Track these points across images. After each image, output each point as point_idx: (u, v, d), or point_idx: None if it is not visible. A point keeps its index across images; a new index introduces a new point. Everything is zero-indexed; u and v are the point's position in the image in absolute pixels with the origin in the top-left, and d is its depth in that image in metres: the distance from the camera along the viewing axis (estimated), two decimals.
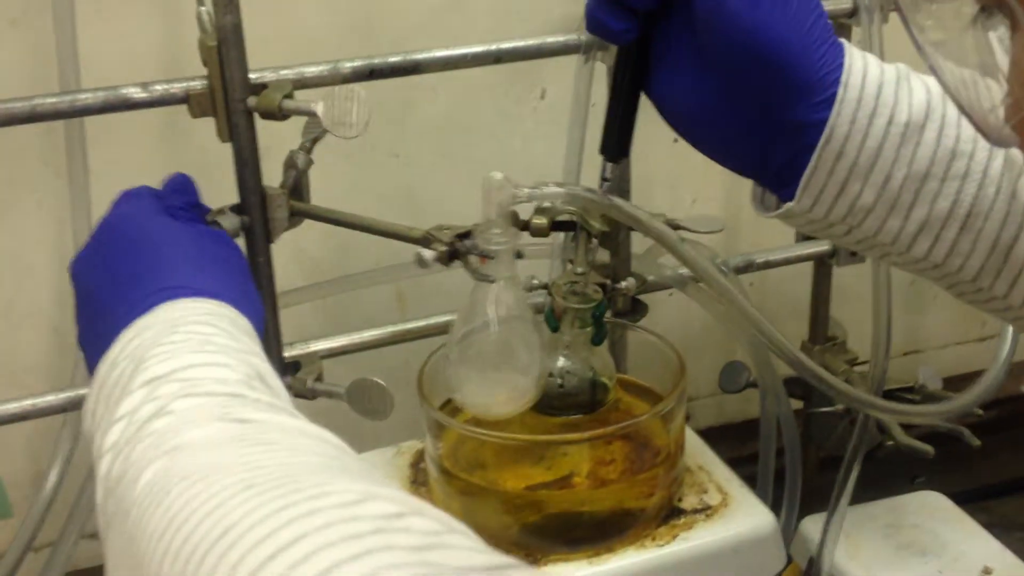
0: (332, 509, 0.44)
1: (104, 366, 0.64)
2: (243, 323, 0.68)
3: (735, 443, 1.53)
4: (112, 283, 0.71)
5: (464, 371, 0.93)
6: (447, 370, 0.94)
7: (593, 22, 0.70)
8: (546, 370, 0.96)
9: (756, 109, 0.67)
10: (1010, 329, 1.22)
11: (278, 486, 0.46)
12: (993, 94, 0.47)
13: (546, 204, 0.95)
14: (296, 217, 1.00)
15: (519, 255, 0.92)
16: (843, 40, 0.67)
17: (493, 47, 1.05)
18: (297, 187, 1.00)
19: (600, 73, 1.11)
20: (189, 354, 0.60)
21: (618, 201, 0.88)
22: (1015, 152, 0.67)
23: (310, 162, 0.99)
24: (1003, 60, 0.46)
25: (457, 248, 0.91)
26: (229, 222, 0.96)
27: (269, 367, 0.64)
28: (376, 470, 0.53)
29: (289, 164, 0.99)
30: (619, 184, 1.11)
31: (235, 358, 0.61)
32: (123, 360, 0.62)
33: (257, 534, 0.43)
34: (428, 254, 0.91)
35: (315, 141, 0.99)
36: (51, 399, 1.03)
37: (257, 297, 0.76)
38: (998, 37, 0.46)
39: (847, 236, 0.70)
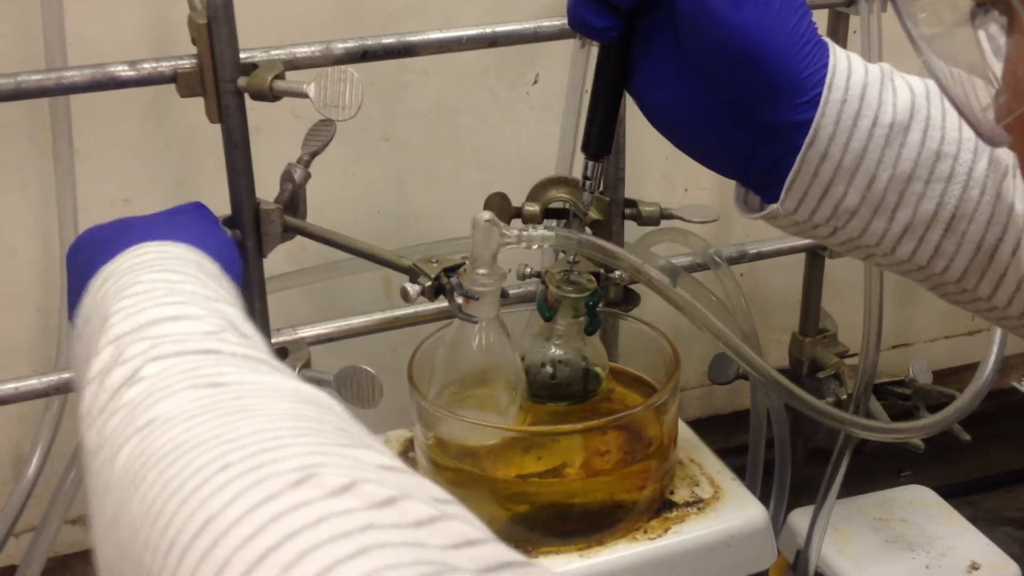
0: (321, 501, 0.42)
1: (79, 321, 0.63)
2: (211, 267, 0.67)
3: (723, 435, 1.52)
4: (91, 246, 0.71)
5: (444, 412, 0.93)
6: (428, 407, 0.95)
7: (575, 19, 0.70)
8: (526, 406, 0.96)
9: (739, 110, 0.67)
10: (995, 342, 1.22)
11: (258, 467, 0.44)
12: (985, 92, 0.46)
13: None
14: (289, 233, 0.99)
15: (504, 295, 0.92)
16: (827, 40, 0.66)
17: (488, 30, 1.03)
18: (293, 201, 0.98)
19: (595, 59, 1.10)
20: (155, 307, 0.58)
21: (604, 244, 0.89)
22: (1000, 153, 0.66)
23: (307, 176, 0.98)
24: (992, 59, 0.45)
25: (443, 284, 0.91)
26: None
27: (241, 313, 0.62)
28: (357, 424, 0.50)
29: (286, 178, 0.98)
30: (604, 181, 1.10)
31: (204, 307, 0.59)
32: (92, 314, 0.61)
33: (243, 531, 0.41)
34: (413, 289, 0.90)
35: (314, 155, 0.98)
36: (34, 383, 1.01)
37: (232, 247, 0.75)
38: (988, 36, 0.46)
39: (832, 237, 0.69)
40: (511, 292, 1.08)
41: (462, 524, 0.42)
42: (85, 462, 0.53)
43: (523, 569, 0.40)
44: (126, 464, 0.49)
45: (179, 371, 0.53)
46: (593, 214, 1.10)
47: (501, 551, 0.41)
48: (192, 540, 0.42)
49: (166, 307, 0.59)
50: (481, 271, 0.88)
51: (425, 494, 0.43)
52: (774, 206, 0.68)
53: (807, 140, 0.65)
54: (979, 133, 0.47)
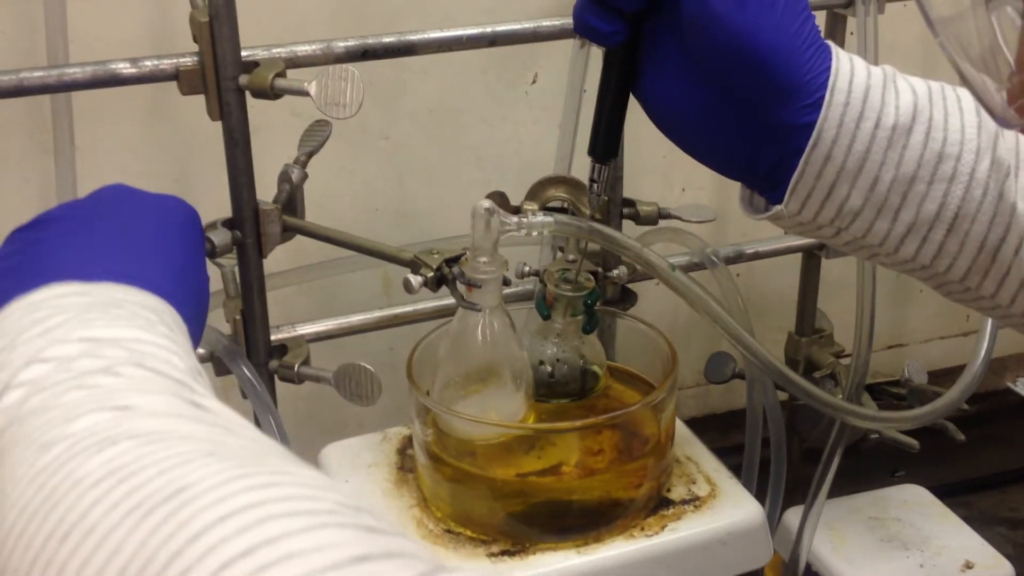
0: (293, 486, 0.42)
1: (19, 305, 0.56)
2: (184, 327, 0.61)
3: (719, 434, 1.53)
4: (65, 233, 0.63)
5: (442, 408, 0.93)
6: (426, 403, 0.95)
7: (581, 24, 0.70)
8: (531, 394, 0.96)
9: (744, 112, 0.67)
10: (985, 338, 1.22)
11: (241, 457, 0.44)
12: (1000, 73, 0.47)
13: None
14: (288, 232, 0.99)
15: (506, 282, 0.92)
16: (830, 42, 0.67)
17: (488, 30, 1.04)
18: (291, 201, 0.99)
19: (594, 59, 1.11)
20: (136, 329, 0.54)
21: (604, 229, 0.90)
22: (1001, 154, 0.67)
23: (305, 176, 0.98)
24: (1007, 41, 0.46)
25: (445, 274, 0.91)
26: (220, 237, 0.95)
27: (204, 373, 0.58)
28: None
29: (283, 178, 0.98)
30: (610, 184, 1.11)
31: (181, 348, 0.56)
32: (50, 309, 0.55)
33: (212, 496, 0.41)
34: (415, 280, 0.91)
35: (310, 155, 0.98)
36: None
37: (205, 290, 0.69)
38: (1003, 18, 0.46)
39: (835, 237, 0.70)
40: (509, 291, 1.09)
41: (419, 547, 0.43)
42: (4, 423, 0.48)
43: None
44: (91, 426, 0.46)
45: (161, 382, 0.51)
46: (591, 212, 1.11)
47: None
48: (162, 502, 0.41)
49: (147, 333, 0.55)
50: (482, 259, 0.89)
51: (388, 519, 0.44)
52: (778, 207, 0.68)
53: (810, 142, 0.65)
54: (992, 114, 0.48)
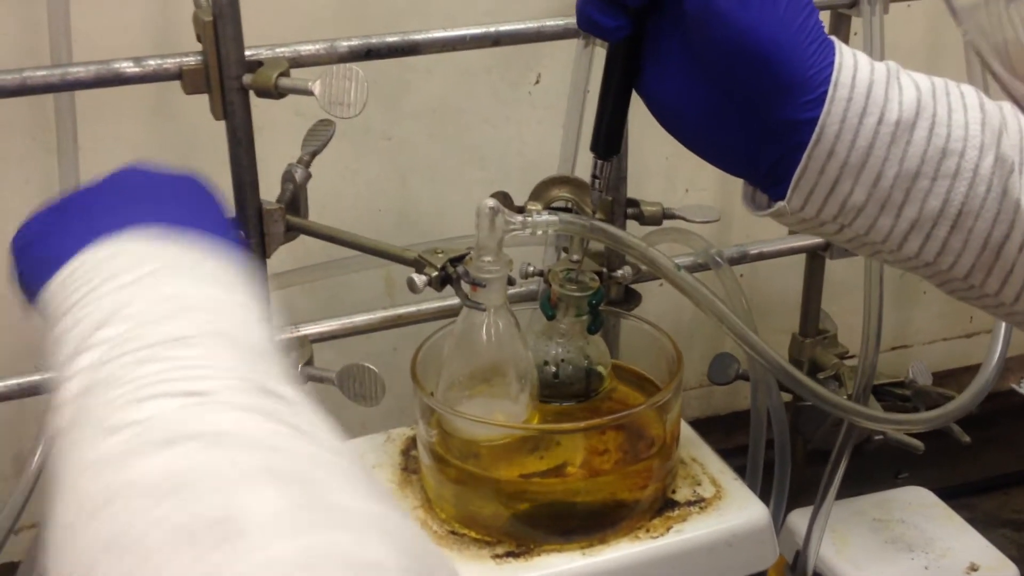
0: (341, 530, 0.42)
1: (98, 252, 0.57)
2: (255, 287, 0.62)
3: (722, 435, 1.53)
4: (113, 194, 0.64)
5: (447, 408, 0.93)
6: (432, 403, 0.94)
7: (584, 19, 0.70)
8: (536, 394, 0.96)
9: (746, 108, 0.67)
10: (999, 341, 1.22)
11: (299, 475, 0.44)
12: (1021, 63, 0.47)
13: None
14: (292, 232, 0.99)
15: (510, 282, 0.92)
16: (833, 38, 0.67)
17: (492, 29, 1.04)
18: (295, 201, 0.98)
19: (598, 59, 1.11)
20: (220, 288, 0.56)
21: (609, 228, 0.90)
22: (1005, 150, 0.67)
23: (308, 176, 0.98)
24: None
25: (449, 273, 0.91)
26: None
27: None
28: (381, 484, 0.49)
29: (287, 178, 0.98)
30: (612, 181, 1.10)
31: (259, 312, 0.56)
32: (129, 257, 0.56)
33: (259, 538, 0.41)
34: (420, 279, 0.90)
35: (314, 155, 0.98)
36: (36, 379, 1.01)
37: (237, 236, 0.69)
38: (1019, 13, 0.46)
39: (838, 234, 0.70)
40: (513, 292, 1.08)
41: None
42: (84, 388, 0.50)
43: None
44: (156, 416, 0.47)
45: (239, 368, 0.51)
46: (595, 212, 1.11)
47: None
48: (211, 525, 0.41)
49: (232, 294, 0.56)
50: (487, 258, 0.88)
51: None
52: (781, 203, 0.68)
53: (813, 138, 0.65)
54: (1017, 103, 0.48)
